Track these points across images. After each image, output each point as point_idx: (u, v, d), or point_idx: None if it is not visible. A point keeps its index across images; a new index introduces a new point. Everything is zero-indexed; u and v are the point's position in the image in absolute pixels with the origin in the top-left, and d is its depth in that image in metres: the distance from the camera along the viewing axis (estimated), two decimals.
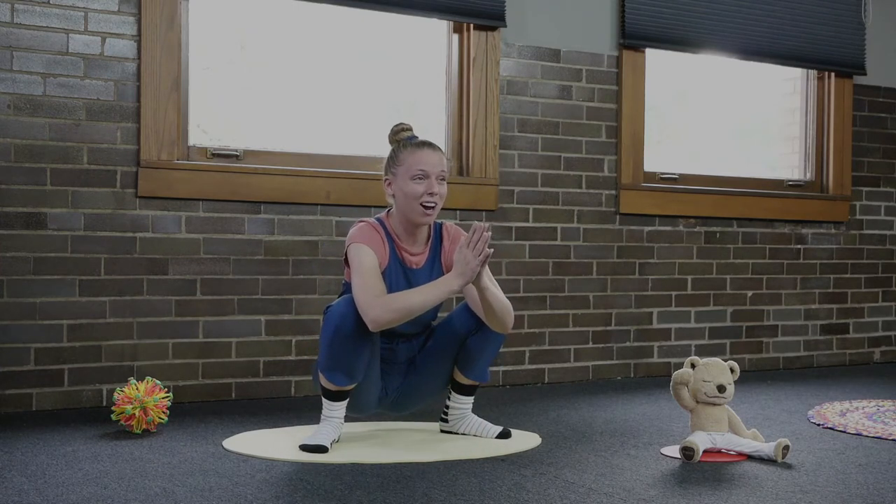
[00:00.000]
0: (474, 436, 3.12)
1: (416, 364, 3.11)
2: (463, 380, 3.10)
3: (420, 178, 2.93)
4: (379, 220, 3.02)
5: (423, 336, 3.11)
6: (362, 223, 2.97)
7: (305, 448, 2.84)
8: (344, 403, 2.95)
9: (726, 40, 4.80)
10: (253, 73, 4.08)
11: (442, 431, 3.19)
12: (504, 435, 3.10)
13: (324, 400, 2.95)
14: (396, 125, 3.05)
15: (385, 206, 3.18)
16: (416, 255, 3.02)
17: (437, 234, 3.08)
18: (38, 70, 3.54)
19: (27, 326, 3.53)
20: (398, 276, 2.98)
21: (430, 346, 3.10)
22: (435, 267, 3.04)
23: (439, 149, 3.01)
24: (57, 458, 2.77)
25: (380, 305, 2.79)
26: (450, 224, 3.13)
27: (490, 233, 2.80)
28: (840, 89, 5.15)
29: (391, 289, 2.92)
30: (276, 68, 4.10)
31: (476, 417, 3.16)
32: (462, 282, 2.81)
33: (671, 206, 4.70)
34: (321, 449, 2.83)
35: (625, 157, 4.58)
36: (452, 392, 3.14)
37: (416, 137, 3.02)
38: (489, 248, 2.80)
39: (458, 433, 3.16)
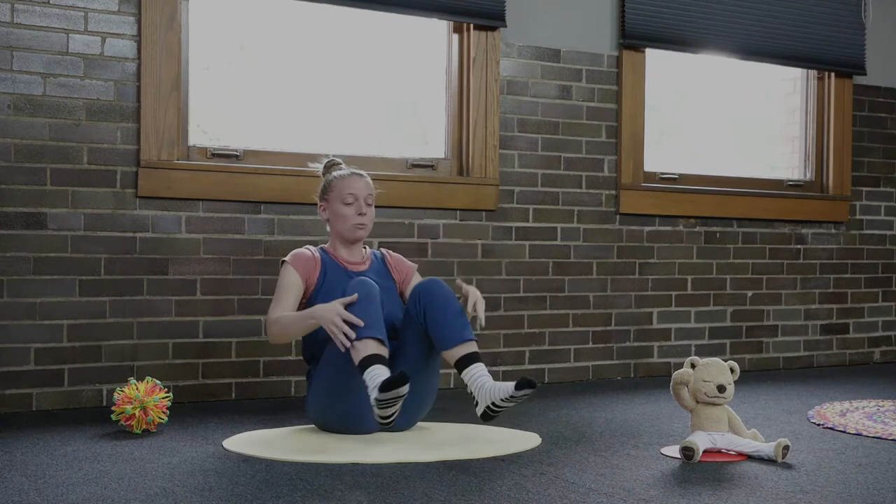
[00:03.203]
0: (499, 400, 2.92)
1: (398, 352, 3.13)
2: (451, 355, 3.02)
3: (350, 202, 3.27)
4: (320, 247, 3.33)
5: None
6: (298, 249, 3.31)
7: (387, 382, 2.76)
8: (382, 366, 2.91)
9: (726, 40, 4.80)
10: (253, 73, 4.08)
11: (486, 417, 2.97)
12: (523, 385, 2.87)
13: (365, 375, 2.89)
14: (328, 160, 3.41)
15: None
16: (356, 264, 3.31)
17: (377, 256, 3.39)
18: (38, 70, 3.54)
19: (27, 326, 3.53)
20: (342, 275, 3.24)
21: (402, 333, 3.15)
22: (381, 274, 3.31)
23: (366, 176, 3.35)
24: (57, 458, 2.77)
25: (273, 323, 3.14)
26: (385, 249, 3.45)
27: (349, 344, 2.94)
28: (840, 89, 5.15)
29: (338, 286, 3.15)
30: (276, 68, 4.10)
31: (493, 382, 2.97)
32: (320, 319, 3.00)
33: (671, 206, 4.70)
34: (403, 378, 2.75)
35: (625, 157, 4.58)
36: (461, 374, 3.02)
37: (346, 169, 3.36)
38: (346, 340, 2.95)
39: (490, 405, 2.93)
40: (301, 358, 3.92)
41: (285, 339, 3.18)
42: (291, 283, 3.21)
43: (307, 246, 3.32)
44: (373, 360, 2.91)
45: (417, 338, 3.10)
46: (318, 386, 3.11)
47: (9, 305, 3.51)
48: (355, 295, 2.99)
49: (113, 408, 3.15)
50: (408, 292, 3.31)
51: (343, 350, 2.94)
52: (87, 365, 3.61)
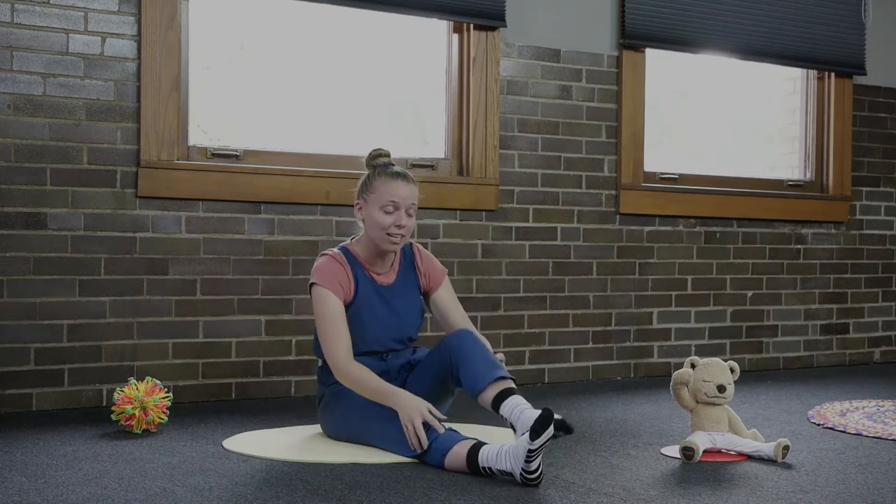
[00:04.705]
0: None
1: (414, 367, 3.08)
2: (485, 397, 2.76)
3: (389, 211, 2.96)
4: (343, 248, 3.05)
5: (411, 348, 3.13)
6: (324, 257, 3.02)
7: (534, 429, 2.44)
8: (487, 444, 2.64)
9: (726, 40, 4.80)
10: (253, 73, 4.08)
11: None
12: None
13: (483, 463, 2.59)
14: (374, 150, 3.05)
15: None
16: (385, 274, 3.07)
17: (407, 255, 3.13)
18: (38, 70, 3.54)
19: (27, 326, 3.53)
20: (371, 293, 3.03)
21: (423, 367, 3.03)
22: (408, 282, 3.10)
23: (413, 181, 3.02)
24: (57, 458, 2.77)
25: (346, 372, 2.88)
26: (416, 244, 3.19)
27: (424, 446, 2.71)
28: (840, 89, 5.15)
29: (366, 306, 2.99)
30: (276, 68, 4.10)
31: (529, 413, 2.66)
32: (399, 410, 2.75)
33: (671, 206, 4.70)
34: (549, 413, 2.44)
35: (625, 157, 4.58)
36: (498, 413, 2.75)
37: (393, 165, 3.03)
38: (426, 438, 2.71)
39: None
40: (300, 359, 3.92)
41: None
42: (335, 313, 2.92)
43: (329, 252, 3.03)
44: (476, 447, 2.60)
45: (436, 378, 2.94)
46: (338, 419, 3.01)
47: (9, 305, 3.51)
48: (445, 418, 2.77)
49: (113, 408, 3.15)
50: (434, 300, 3.12)
51: (412, 448, 2.72)
52: (87, 365, 3.61)
